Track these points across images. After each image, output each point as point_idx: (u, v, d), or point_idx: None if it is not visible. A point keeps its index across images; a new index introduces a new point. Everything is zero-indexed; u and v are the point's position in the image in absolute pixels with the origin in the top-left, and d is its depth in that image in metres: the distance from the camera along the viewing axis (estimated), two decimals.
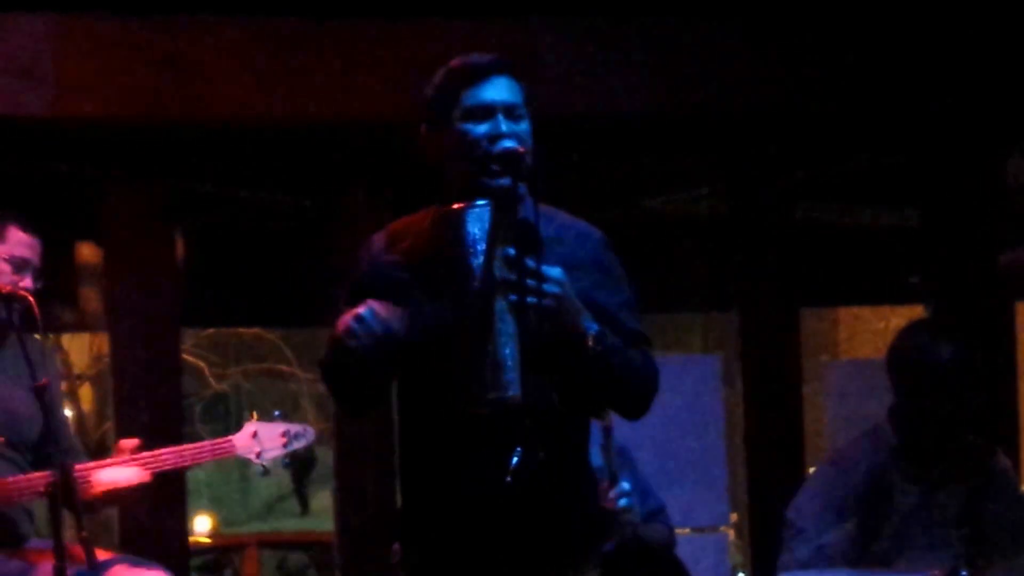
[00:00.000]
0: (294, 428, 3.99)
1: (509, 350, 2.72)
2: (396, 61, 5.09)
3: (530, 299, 2.73)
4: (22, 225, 3.85)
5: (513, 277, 2.72)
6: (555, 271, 2.78)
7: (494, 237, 2.77)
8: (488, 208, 2.80)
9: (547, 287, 2.76)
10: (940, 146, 5.78)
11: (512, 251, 2.74)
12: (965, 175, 5.76)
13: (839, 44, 5.43)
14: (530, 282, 2.73)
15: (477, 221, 2.80)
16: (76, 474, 3.61)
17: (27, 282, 3.76)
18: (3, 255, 3.79)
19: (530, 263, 2.74)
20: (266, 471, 3.95)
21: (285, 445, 3.93)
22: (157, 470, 3.80)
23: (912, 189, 6.06)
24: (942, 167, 5.83)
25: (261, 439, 3.90)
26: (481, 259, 2.78)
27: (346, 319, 2.83)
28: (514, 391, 2.71)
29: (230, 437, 3.90)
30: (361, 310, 2.82)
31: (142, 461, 3.77)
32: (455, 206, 2.84)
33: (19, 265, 3.79)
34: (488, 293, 2.76)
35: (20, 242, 3.82)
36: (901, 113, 5.57)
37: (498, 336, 2.73)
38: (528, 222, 2.76)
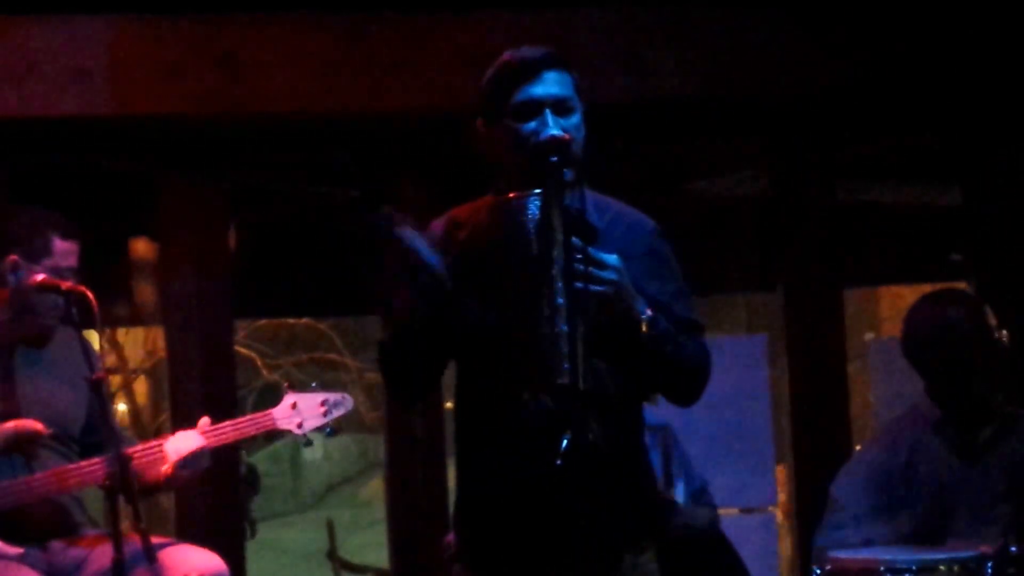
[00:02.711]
0: (333, 397, 3.94)
1: (566, 336, 2.73)
2: (445, 54, 5.13)
3: (587, 285, 2.75)
4: (62, 232, 3.79)
5: (570, 263, 2.74)
6: (611, 257, 2.82)
7: (547, 223, 2.79)
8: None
9: (603, 273, 2.79)
10: (980, 124, 5.79)
11: (569, 238, 2.75)
12: (1006, 153, 5.78)
13: (880, 24, 5.43)
14: (587, 268, 2.76)
15: (534, 209, 2.83)
16: (147, 454, 3.64)
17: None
18: (50, 267, 3.74)
19: (587, 249, 2.77)
20: (309, 442, 3.93)
21: (325, 414, 3.89)
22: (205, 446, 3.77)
23: (953, 167, 6.08)
24: (983, 145, 5.85)
25: (300, 410, 3.86)
26: (537, 246, 2.80)
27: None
28: (571, 376, 2.71)
29: (269, 410, 3.86)
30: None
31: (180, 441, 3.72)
32: (511, 195, 2.88)
33: (64, 275, 3.75)
34: (545, 279, 2.78)
35: (63, 252, 3.77)
36: (942, 92, 5.58)
37: (555, 322, 2.75)
38: (580, 210, 2.80)
